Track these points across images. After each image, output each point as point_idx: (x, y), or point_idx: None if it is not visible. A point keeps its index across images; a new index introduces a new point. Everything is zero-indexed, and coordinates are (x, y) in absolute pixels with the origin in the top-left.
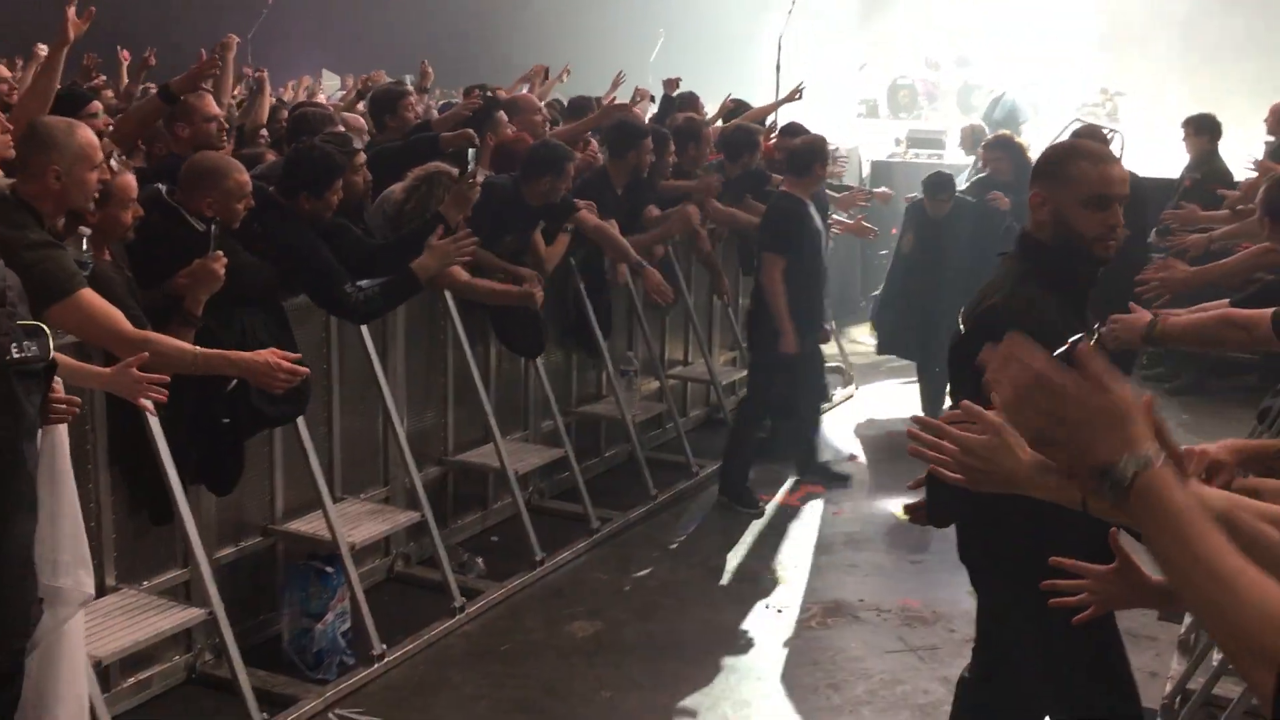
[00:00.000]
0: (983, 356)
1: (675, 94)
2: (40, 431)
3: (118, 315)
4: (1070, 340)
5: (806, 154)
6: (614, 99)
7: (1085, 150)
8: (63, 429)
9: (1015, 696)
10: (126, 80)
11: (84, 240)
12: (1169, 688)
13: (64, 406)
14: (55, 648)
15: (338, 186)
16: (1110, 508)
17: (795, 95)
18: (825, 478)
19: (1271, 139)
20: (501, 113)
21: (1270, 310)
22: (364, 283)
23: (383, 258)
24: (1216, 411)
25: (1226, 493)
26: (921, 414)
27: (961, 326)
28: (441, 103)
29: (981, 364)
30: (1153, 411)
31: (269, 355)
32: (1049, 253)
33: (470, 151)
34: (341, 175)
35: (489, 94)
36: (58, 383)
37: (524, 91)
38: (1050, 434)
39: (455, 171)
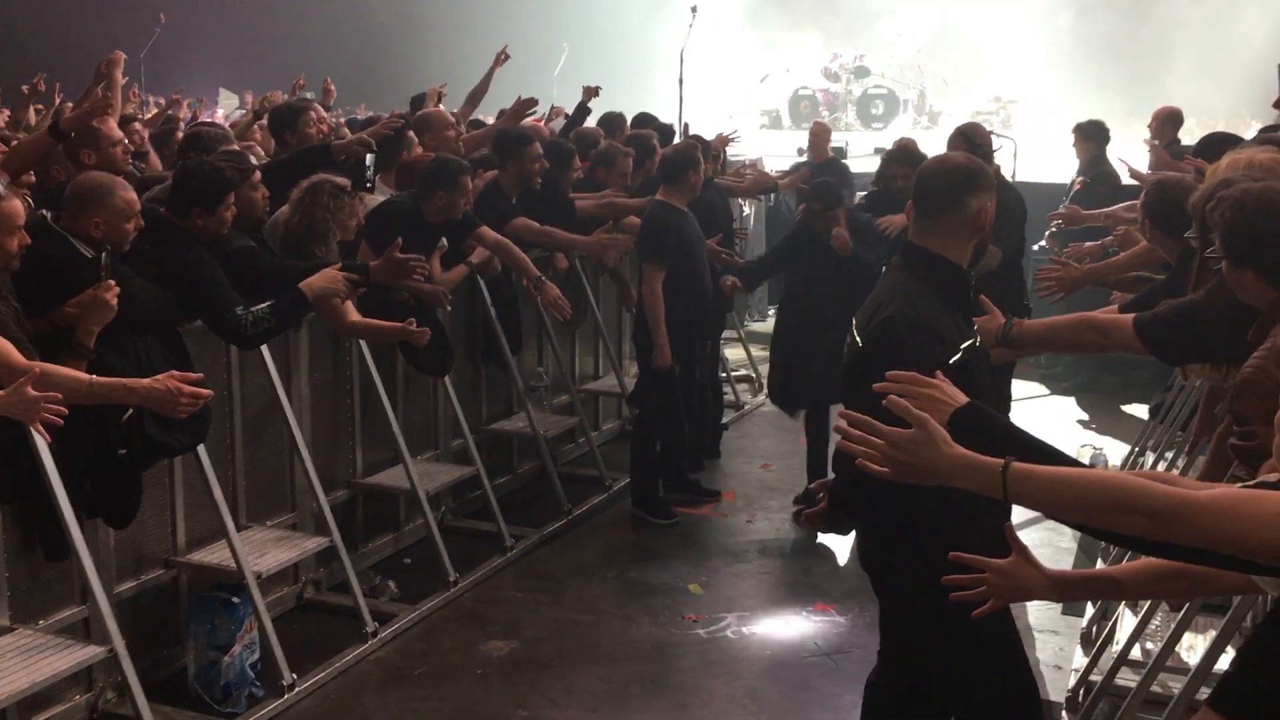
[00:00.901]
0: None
1: (590, 105)
2: None
3: (7, 347)
4: (963, 347)
5: (679, 161)
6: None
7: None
8: None
9: (919, 698)
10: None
11: None
12: (1073, 680)
13: None
14: None
15: (230, 202)
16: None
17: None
18: (694, 494)
19: (1155, 141)
20: (410, 133)
21: (1130, 316)
22: (259, 306)
23: (285, 280)
24: (1112, 409)
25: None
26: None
27: (858, 339)
28: (347, 118)
29: (881, 386)
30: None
31: (168, 380)
32: (936, 263)
33: (369, 158)
34: (233, 190)
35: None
36: None
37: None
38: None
39: (341, 180)
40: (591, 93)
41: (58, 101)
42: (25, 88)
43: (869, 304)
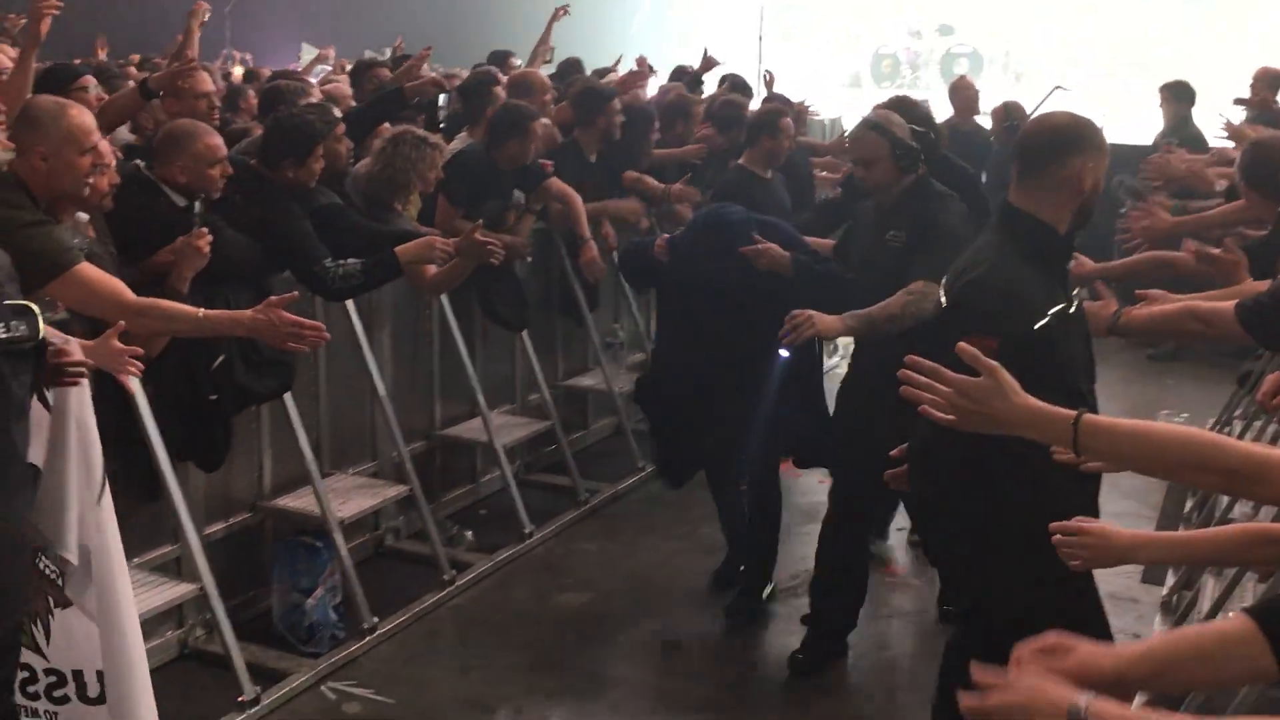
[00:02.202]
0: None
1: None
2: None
3: (119, 285)
4: (1050, 313)
5: (756, 124)
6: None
7: None
8: (80, 401)
9: (1002, 660)
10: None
11: (80, 223)
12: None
13: (76, 368)
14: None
15: (319, 153)
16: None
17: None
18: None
19: (1247, 101)
20: (500, 89)
21: (1231, 303)
22: (349, 261)
23: (382, 243)
24: (1198, 376)
25: (1166, 637)
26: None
27: (943, 299)
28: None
29: (962, 349)
30: (1070, 654)
31: (269, 310)
32: (1031, 226)
33: (441, 98)
34: (322, 141)
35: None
36: (71, 344)
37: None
38: None
39: (423, 132)
40: (710, 64)
41: (102, 55)
42: (102, 43)
43: (959, 264)
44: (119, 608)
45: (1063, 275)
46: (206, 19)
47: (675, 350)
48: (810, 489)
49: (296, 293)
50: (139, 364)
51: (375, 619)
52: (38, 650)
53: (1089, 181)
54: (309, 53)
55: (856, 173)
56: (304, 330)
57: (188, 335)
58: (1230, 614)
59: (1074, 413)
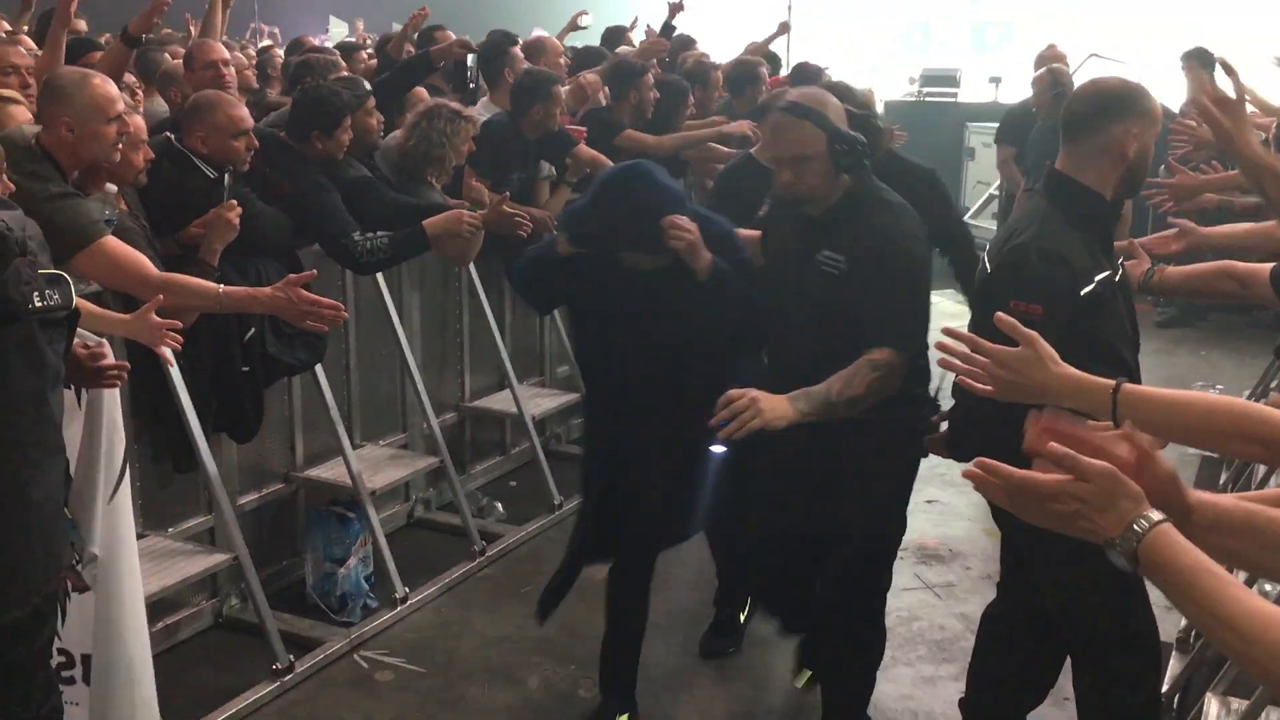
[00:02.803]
0: (1028, 438)
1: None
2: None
3: (143, 260)
4: (1097, 279)
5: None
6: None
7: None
8: (113, 400)
9: (1039, 632)
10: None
11: (109, 195)
12: (1184, 621)
13: (114, 371)
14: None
15: (347, 125)
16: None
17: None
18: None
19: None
20: (517, 49)
21: (1269, 265)
22: (378, 234)
23: (410, 217)
24: (1233, 348)
25: (1242, 501)
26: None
27: (987, 264)
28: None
29: (1001, 319)
30: (1155, 464)
31: (288, 289)
32: (1077, 191)
33: (469, 58)
34: (350, 113)
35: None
36: (105, 347)
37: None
38: (1057, 525)
39: (457, 105)
40: (677, 8)
41: (81, 26)
42: None
43: (1004, 230)
44: (121, 598)
45: (1108, 242)
46: None
47: (596, 406)
48: None
49: (315, 271)
50: (177, 337)
51: (406, 589)
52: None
53: (1134, 148)
54: (337, 25)
55: (781, 177)
56: (322, 309)
57: (208, 311)
58: None
59: (1113, 382)
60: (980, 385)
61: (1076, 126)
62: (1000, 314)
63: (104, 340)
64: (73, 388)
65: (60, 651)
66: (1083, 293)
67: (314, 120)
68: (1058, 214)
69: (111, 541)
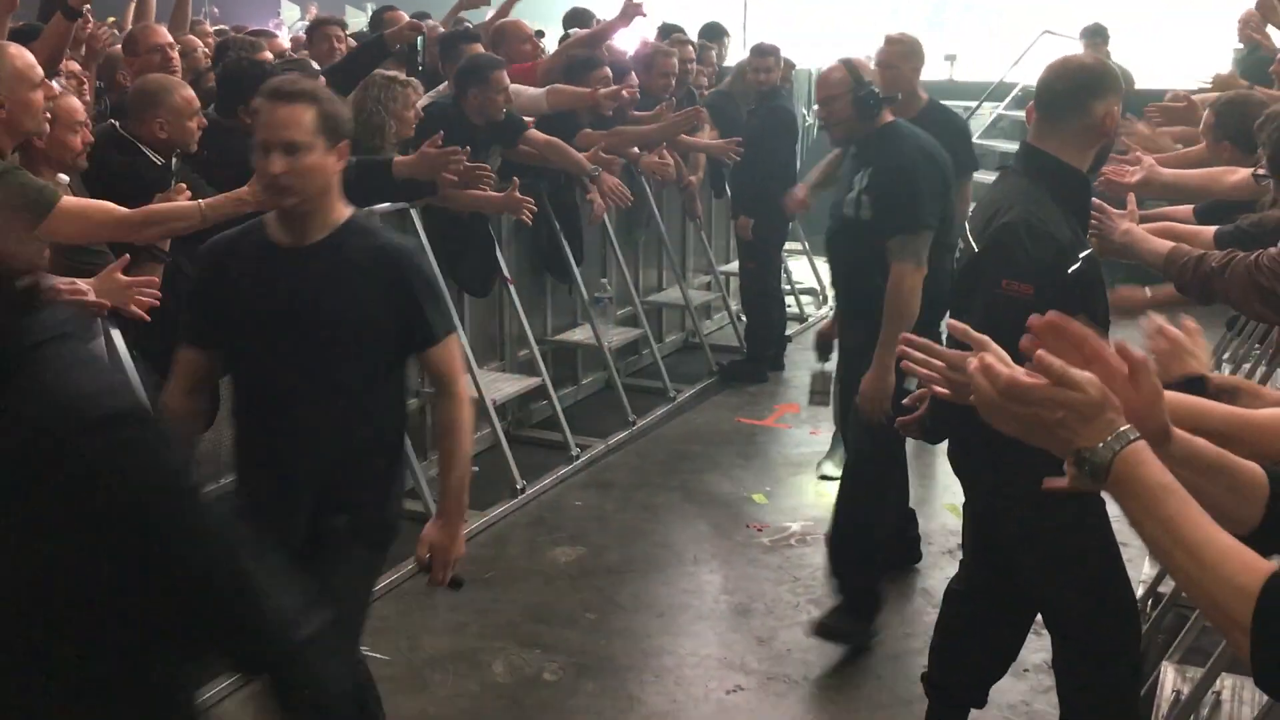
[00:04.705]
0: (1030, 327)
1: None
2: None
3: (108, 205)
4: (1081, 256)
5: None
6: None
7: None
8: None
9: (1004, 607)
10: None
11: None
12: (1140, 591)
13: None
14: None
15: None
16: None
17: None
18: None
19: (1240, 47)
20: (476, 44)
21: (1212, 228)
22: None
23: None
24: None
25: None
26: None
27: (973, 245)
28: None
29: (993, 290)
30: (1146, 378)
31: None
32: (1057, 168)
33: (419, 40)
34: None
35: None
36: (80, 284)
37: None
38: (1030, 433)
39: (391, 72)
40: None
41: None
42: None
43: (984, 208)
44: None
45: (1085, 218)
46: None
47: None
48: (802, 440)
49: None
50: (154, 294)
51: None
52: None
53: (1112, 124)
54: (290, 9)
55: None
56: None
57: (196, 230)
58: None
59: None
60: (941, 390)
61: (1058, 105)
62: (951, 321)
63: (76, 280)
64: None
65: None
66: (1070, 271)
67: (236, 94)
68: (1041, 192)
69: None
